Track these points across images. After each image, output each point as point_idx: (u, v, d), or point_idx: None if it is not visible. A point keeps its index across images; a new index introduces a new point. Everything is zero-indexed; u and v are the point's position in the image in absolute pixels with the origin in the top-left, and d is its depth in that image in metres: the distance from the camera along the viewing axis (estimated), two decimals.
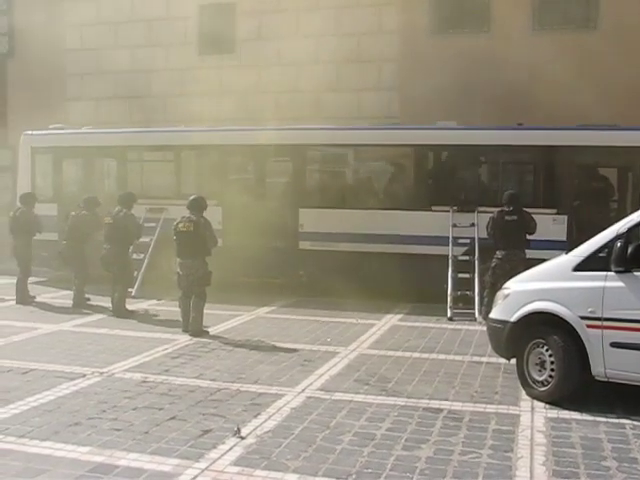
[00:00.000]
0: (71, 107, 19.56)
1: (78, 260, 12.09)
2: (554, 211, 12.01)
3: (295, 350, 8.98)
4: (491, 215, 11.17)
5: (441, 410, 6.55)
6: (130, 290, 11.97)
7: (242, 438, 5.75)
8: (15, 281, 12.57)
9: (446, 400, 6.88)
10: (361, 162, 14.07)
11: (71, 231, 12.08)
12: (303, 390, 7.18)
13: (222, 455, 5.41)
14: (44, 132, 15.54)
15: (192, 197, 10.25)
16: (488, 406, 6.70)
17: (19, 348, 9.04)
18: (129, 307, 11.50)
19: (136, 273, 13.17)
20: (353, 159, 13.93)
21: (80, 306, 11.99)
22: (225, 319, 10.93)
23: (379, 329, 10.44)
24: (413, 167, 13.45)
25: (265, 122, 15.64)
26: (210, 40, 18.92)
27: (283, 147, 13.72)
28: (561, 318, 6.73)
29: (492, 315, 7.55)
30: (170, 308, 11.64)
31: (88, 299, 12.25)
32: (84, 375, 7.69)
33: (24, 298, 12.28)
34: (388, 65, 17.27)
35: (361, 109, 17.08)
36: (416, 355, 8.78)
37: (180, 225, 9.94)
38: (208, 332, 9.81)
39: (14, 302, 12.37)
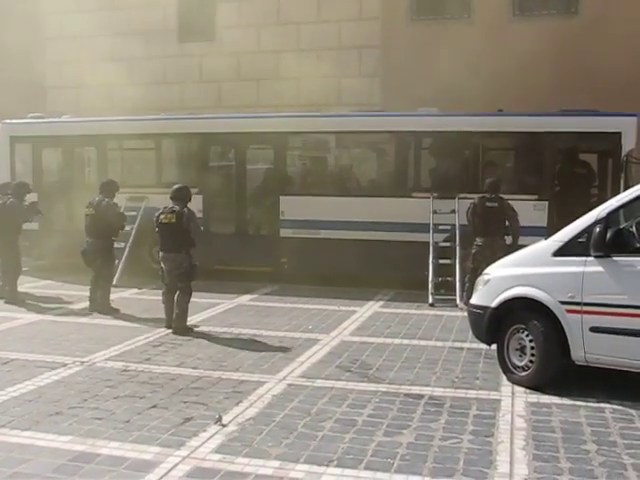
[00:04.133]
0: (51, 95, 19.40)
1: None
2: (535, 197, 12.05)
3: (277, 337, 8.98)
4: (472, 201, 11.20)
5: (422, 396, 6.58)
6: None
7: (223, 426, 5.76)
8: None
9: (427, 386, 6.91)
10: (342, 149, 14.05)
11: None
12: (284, 377, 7.18)
13: (203, 443, 5.41)
14: (23, 121, 15.39)
15: (175, 186, 9.70)
16: (469, 391, 6.74)
17: (0, 338, 8.98)
18: (111, 296, 11.39)
19: (117, 262, 13.10)
20: (334, 146, 13.91)
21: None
22: (206, 307, 10.90)
23: (361, 316, 10.46)
24: (394, 154, 13.44)
25: (245, 109, 15.63)
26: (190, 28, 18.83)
27: (263, 135, 13.68)
28: (541, 303, 6.76)
29: (473, 301, 7.59)
30: (151, 297, 11.62)
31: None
32: (65, 364, 7.65)
33: (2, 289, 12.15)
34: (369, 52, 17.26)
35: (342, 96, 17.07)
36: (397, 341, 8.81)
37: (162, 216, 9.39)
38: (193, 330, 9.37)
39: None
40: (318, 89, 16.83)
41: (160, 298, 9.80)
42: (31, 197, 12.49)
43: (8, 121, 15.53)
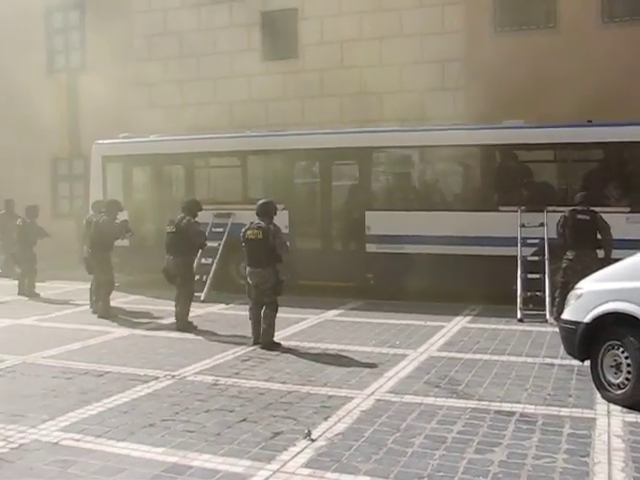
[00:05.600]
0: (139, 116, 19.96)
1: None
2: (628, 209, 11.72)
3: (364, 353, 8.96)
4: (562, 214, 10.97)
5: (513, 413, 6.44)
6: (199, 295, 12.08)
7: (313, 440, 5.77)
8: (88, 286, 12.84)
9: (518, 403, 6.77)
10: (427, 163, 13.97)
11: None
12: (373, 393, 7.16)
13: (293, 457, 5.43)
14: (114, 141, 15.90)
15: (261, 202, 9.76)
16: (562, 409, 6.56)
17: (94, 352, 9.26)
18: (198, 311, 11.64)
19: (205, 278, 13.37)
20: (419, 160, 13.85)
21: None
22: (293, 322, 10.97)
23: (448, 331, 10.35)
24: (480, 167, 13.31)
25: (329, 125, 15.73)
26: (274, 46, 19.09)
27: (348, 150, 13.74)
28: (637, 319, 6.55)
29: (564, 316, 7.40)
30: (238, 312, 11.78)
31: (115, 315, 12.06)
32: (157, 378, 7.82)
33: (97, 303, 12.50)
34: (452, 65, 17.12)
35: (425, 110, 16.97)
36: (486, 357, 8.67)
37: (249, 232, 9.48)
38: (280, 345, 9.40)
39: (88, 307, 12.64)
40: (401, 103, 16.79)
41: (247, 313, 9.90)
42: (122, 215, 12.83)
43: (100, 141, 16.08)
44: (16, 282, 14.84)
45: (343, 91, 17.93)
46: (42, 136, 21.12)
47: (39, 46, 22.26)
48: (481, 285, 12.26)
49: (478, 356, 8.73)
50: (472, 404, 6.73)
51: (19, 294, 14.44)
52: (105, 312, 11.86)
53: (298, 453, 5.51)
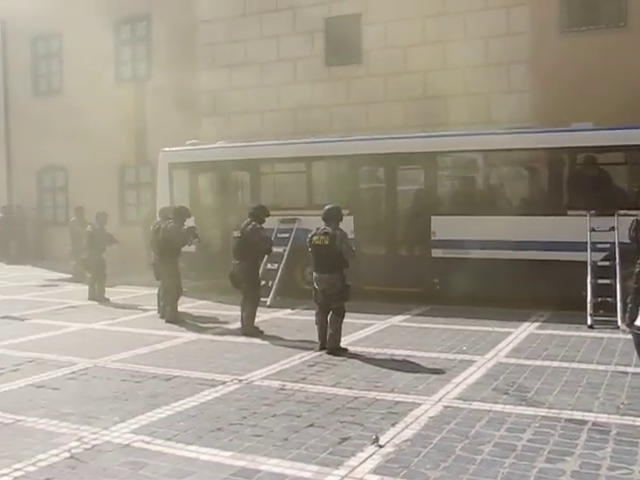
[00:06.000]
0: (205, 123, 20.25)
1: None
2: None
3: (430, 359, 8.89)
4: (634, 218, 10.69)
5: (585, 422, 6.30)
6: (265, 300, 12.15)
7: (380, 446, 5.74)
8: (156, 292, 13.05)
9: (590, 412, 6.61)
10: (493, 167, 13.79)
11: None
12: (440, 399, 7.09)
13: (361, 463, 5.41)
14: (180, 148, 16.15)
15: (327, 207, 9.76)
16: (637, 419, 6.38)
17: (163, 356, 9.40)
18: (264, 316, 11.71)
19: (270, 283, 13.45)
20: (485, 165, 13.67)
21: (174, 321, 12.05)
22: (359, 328, 10.95)
23: (516, 337, 10.19)
24: (547, 171, 13.10)
25: (395, 130, 15.68)
26: (337, 52, 19.13)
27: (413, 155, 13.69)
28: None
29: (638, 322, 7.20)
30: (304, 317, 11.82)
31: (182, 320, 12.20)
32: (224, 382, 7.89)
33: (164, 308, 12.68)
34: (517, 67, 16.89)
35: (491, 113, 16.78)
36: (556, 364, 8.51)
37: (315, 238, 9.47)
38: (347, 350, 9.38)
39: (155, 312, 12.84)
40: (466, 107, 16.65)
41: (312, 318, 9.92)
42: (189, 221, 13.00)
43: (167, 149, 16.35)
44: (86, 287, 15.17)
45: (407, 96, 17.86)
46: (110, 144, 21.60)
47: (107, 57, 22.80)
48: (549, 291, 12.06)
49: (547, 363, 8.57)
50: (542, 412, 6.61)
51: (89, 299, 14.75)
52: (173, 317, 12.03)
53: (366, 459, 5.49)
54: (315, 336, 9.71)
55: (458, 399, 7.09)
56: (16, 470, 5.39)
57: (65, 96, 23.66)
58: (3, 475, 5.30)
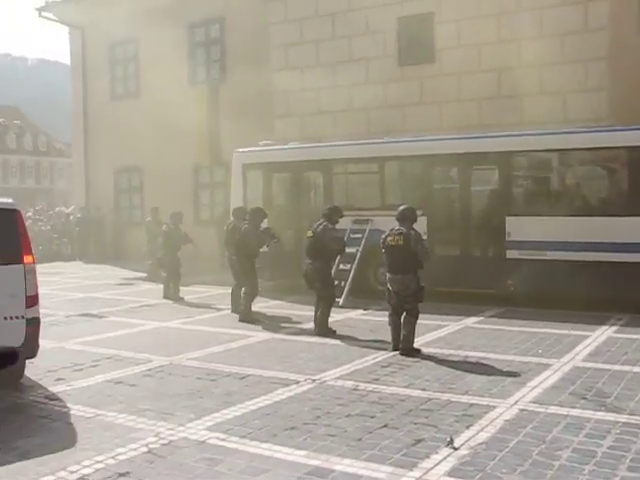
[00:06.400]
0: (278, 124, 20.40)
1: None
2: None
3: (505, 361, 8.74)
4: None
5: None
6: (337, 300, 12.15)
7: (455, 449, 5.67)
8: (230, 291, 13.22)
9: None
10: (570, 167, 13.48)
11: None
12: (516, 402, 6.97)
13: (435, 465, 5.36)
14: (254, 149, 16.31)
15: (401, 207, 9.69)
16: None
17: (236, 354, 9.50)
18: (337, 316, 11.70)
19: (343, 283, 13.46)
20: (562, 164, 13.38)
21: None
22: (432, 329, 10.86)
23: (594, 341, 9.94)
24: (627, 170, 12.73)
25: (468, 130, 15.49)
26: (410, 51, 19.02)
27: (488, 154, 13.51)
28: None
29: None
30: (376, 318, 11.78)
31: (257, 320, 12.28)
32: (297, 382, 7.93)
33: (239, 307, 12.83)
34: (595, 64, 16.50)
35: (567, 112, 16.44)
36: (636, 369, 8.25)
37: (389, 239, 9.41)
38: (420, 351, 9.31)
39: (229, 311, 13.00)
40: (542, 106, 16.37)
41: (385, 319, 9.89)
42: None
43: (241, 150, 16.53)
44: (161, 286, 15.46)
45: (481, 95, 17.64)
46: (184, 146, 21.96)
47: (182, 60, 23.21)
48: (629, 293, 11.74)
49: (627, 368, 8.33)
50: (623, 418, 6.42)
51: (164, 298, 15.02)
52: (247, 316, 12.15)
53: (440, 461, 5.44)
54: (388, 337, 9.66)
55: (534, 403, 6.96)
56: (97, 462, 5.53)
57: (141, 99, 24.23)
58: (85, 467, 5.44)
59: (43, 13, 26.15)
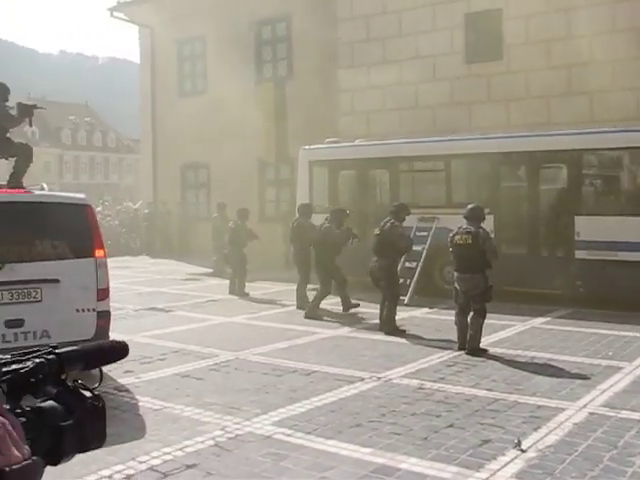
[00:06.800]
0: (344, 121, 20.41)
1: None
2: None
3: (574, 363, 8.58)
4: None
5: None
6: (402, 298, 12.10)
7: (523, 451, 5.59)
8: (295, 287, 13.30)
9: None
10: None
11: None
12: (585, 405, 6.84)
13: (502, 467, 5.30)
14: (320, 146, 16.35)
15: (470, 206, 9.61)
16: None
17: (302, 351, 9.55)
18: (402, 314, 11.65)
19: (408, 281, 13.39)
20: (634, 163, 13.01)
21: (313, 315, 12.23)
22: (499, 329, 10.72)
23: None
24: None
25: (537, 128, 15.24)
26: (477, 48, 18.81)
27: (556, 153, 13.26)
28: None
29: None
30: (442, 317, 11.68)
31: (357, 304, 12.61)
32: (362, 379, 7.92)
33: (304, 304, 12.91)
34: None
35: None
36: None
37: (457, 237, 9.31)
38: (487, 351, 9.19)
39: (294, 307, 13.07)
40: (614, 103, 16.00)
41: (451, 318, 9.81)
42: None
43: (307, 147, 16.58)
44: (227, 282, 15.62)
45: (550, 92, 17.33)
46: (250, 142, 22.12)
47: (248, 57, 23.43)
48: None
49: None
50: None
51: (230, 293, 15.17)
52: (312, 312, 12.19)
53: (508, 463, 5.37)
54: (454, 336, 9.59)
55: (604, 406, 6.81)
56: (165, 454, 5.63)
57: (208, 96, 24.50)
58: (153, 457, 5.54)
59: (115, 13, 26.71)
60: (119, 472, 5.27)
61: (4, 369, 1.00)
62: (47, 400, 1.06)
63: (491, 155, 13.80)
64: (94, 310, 7.71)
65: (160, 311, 13.13)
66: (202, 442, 5.91)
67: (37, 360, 1.04)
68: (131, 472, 5.29)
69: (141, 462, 5.46)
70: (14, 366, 1.02)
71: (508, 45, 18.31)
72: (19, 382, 1.02)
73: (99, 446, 1.11)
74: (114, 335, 8.81)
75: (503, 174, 14.31)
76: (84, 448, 1.08)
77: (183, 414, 6.72)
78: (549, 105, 17.35)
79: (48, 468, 1.08)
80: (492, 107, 18.15)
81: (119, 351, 1.14)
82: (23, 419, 1.01)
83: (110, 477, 5.19)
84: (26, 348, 1.08)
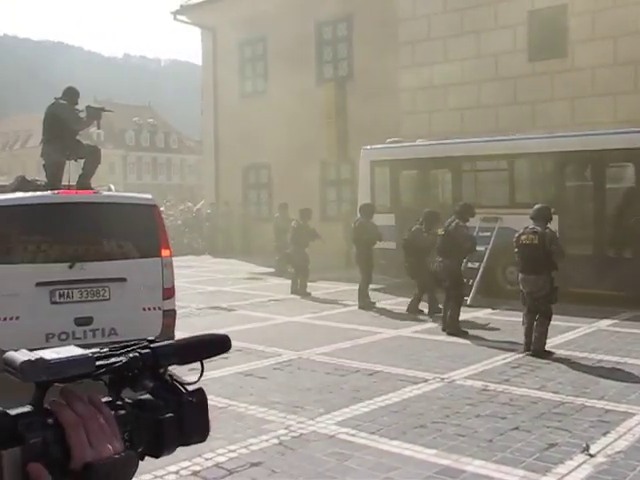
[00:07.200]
0: (405, 121, 20.34)
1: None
2: None
3: None
4: None
5: None
6: (466, 298, 11.98)
7: (591, 456, 5.49)
8: (357, 287, 13.30)
9: None
10: None
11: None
12: None
13: (570, 471, 5.21)
14: (381, 146, 16.31)
15: (537, 206, 9.46)
16: None
17: (364, 351, 9.54)
18: (465, 315, 11.53)
19: (471, 282, 13.27)
20: None
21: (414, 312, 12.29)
22: (563, 330, 10.53)
23: None
24: None
25: (603, 126, 14.93)
26: (541, 46, 18.53)
27: (624, 151, 12.96)
28: None
29: None
30: (505, 318, 11.56)
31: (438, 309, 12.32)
32: (426, 380, 7.89)
33: (366, 303, 12.91)
34: None
35: None
36: None
37: (523, 237, 9.17)
38: (552, 353, 9.04)
39: (356, 307, 13.08)
40: None
41: (514, 319, 9.74)
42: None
43: (368, 147, 16.57)
44: (289, 281, 15.71)
45: (617, 89, 16.98)
46: (311, 143, 22.21)
47: (310, 58, 23.53)
48: None
49: None
50: None
51: (292, 293, 15.24)
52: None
53: (576, 467, 5.28)
54: (517, 337, 9.49)
55: None
56: (230, 452, 5.69)
57: (269, 96, 24.67)
58: (219, 455, 5.61)
59: (178, 16, 27.11)
60: (185, 468, 5.35)
61: (99, 362, 1.03)
62: (145, 394, 1.09)
63: (555, 154, 13.57)
64: (160, 309, 7.85)
65: (223, 310, 13.28)
66: (267, 440, 5.96)
67: (131, 355, 1.07)
68: (197, 468, 5.37)
69: (207, 459, 5.54)
70: (110, 360, 1.06)
71: (573, 42, 18.00)
72: (117, 375, 1.05)
73: (201, 440, 1.14)
74: (179, 334, 8.95)
75: (567, 173, 14.06)
76: (186, 441, 1.11)
77: (247, 412, 6.80)
78: (616, 103, 16.99)
79: None
80: (556, 106, 17.86)
81: (218, 345, 1.16)
82: (122, 411, 1.05)
83: (177, 472, 5.27)
84: (95, 346, 1.11)
